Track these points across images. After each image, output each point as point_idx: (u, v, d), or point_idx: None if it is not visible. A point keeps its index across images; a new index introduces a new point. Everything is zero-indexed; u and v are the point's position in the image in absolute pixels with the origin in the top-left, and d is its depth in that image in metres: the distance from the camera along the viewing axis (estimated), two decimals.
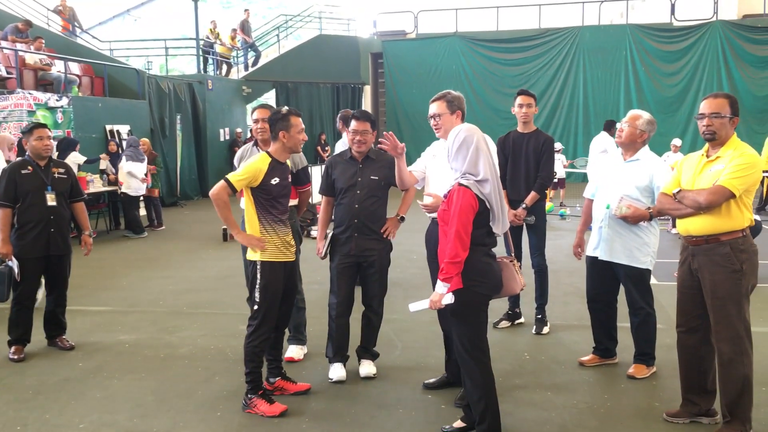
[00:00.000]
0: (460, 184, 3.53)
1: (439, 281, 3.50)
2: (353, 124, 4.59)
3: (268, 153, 4.24)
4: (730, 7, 21.60)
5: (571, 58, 21.52)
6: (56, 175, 5.38)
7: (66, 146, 11.23)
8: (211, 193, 4.12)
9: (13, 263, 5.19)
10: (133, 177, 11.49)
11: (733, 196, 3.61)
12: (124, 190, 11.56)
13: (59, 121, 12.44)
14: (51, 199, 5.29)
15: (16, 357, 5.21)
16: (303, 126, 4.29)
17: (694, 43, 20.83)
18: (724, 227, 3.68)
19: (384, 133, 4.41)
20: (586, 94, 21.49)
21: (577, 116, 21.52)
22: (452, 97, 4.29)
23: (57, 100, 12.49)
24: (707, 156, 3.79)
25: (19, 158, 5.96)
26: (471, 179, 3.53)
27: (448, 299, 3.48)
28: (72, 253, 5.52)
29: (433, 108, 4.31)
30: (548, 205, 12.36)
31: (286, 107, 4.30)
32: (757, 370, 3.86)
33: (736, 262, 3.66)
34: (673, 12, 21.20)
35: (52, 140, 5.46)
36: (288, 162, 4.38)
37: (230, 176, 4.14)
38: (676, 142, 14.00)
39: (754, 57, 20.48)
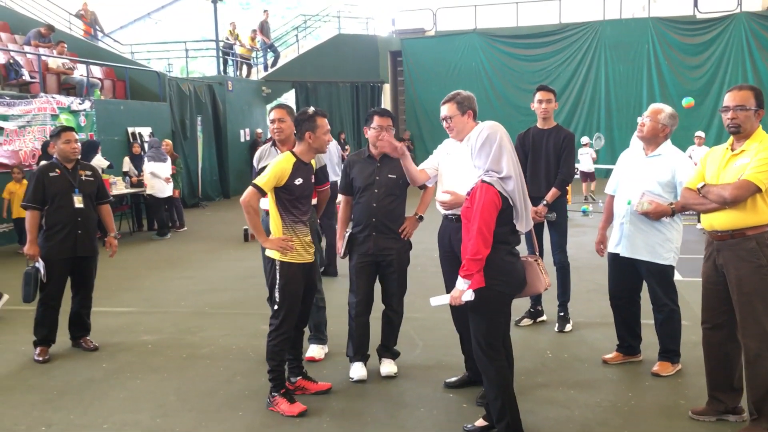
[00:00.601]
0: (483, 181, 3.50)
1: (460, 278, 3.47)
2: (376, 120, 4.56)
3: (293, 153, 4.22)
4: None
5: (593, 52, 21.35)
6: (83, 178, 5.45)
7: (88, 149, 11.31)
8: (241, 200, 4.11)
9: (40, 264, 5.25)
10: (157, 178, 11.58)
11: (759, 190, 3.53)
12: (148, 191, 11.66)
13: (82, 125, 12.57)
14: (78, 202, 5.35)
15: (41, 359, 5.26)
16: (329, 127, 4.28)
17: (718, 35, 20.56)
18: (749, 222, 3.61)
19: (379, 136, 4.38)
20: (608, 89, 21.31)
21: (599, 112, 21.35)
22: (462, 97, 4.26)
23: (80, 104, 12.63)
24: (732, 149, 3.72)
25: (44, 161, 6.03)
26: (494, 176, 3.50)
27: (469, 296, 3.46)
28: (98, 255, 5.58)
29: (444, 110, 4.28)
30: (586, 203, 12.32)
31: (312, 108, 4.28)
32: None
33: (762, 257, 3.59)
34: (696, 4, 20.93)
35: (78, 143, 5.51)
36: (312, 163, 4.37)
37: (257, 181, 4.13)
38: (700, 134, 13.82)
39: None
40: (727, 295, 3.74)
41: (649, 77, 20.93)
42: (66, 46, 14.05)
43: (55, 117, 11.94)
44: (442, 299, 3.66)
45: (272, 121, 4.92)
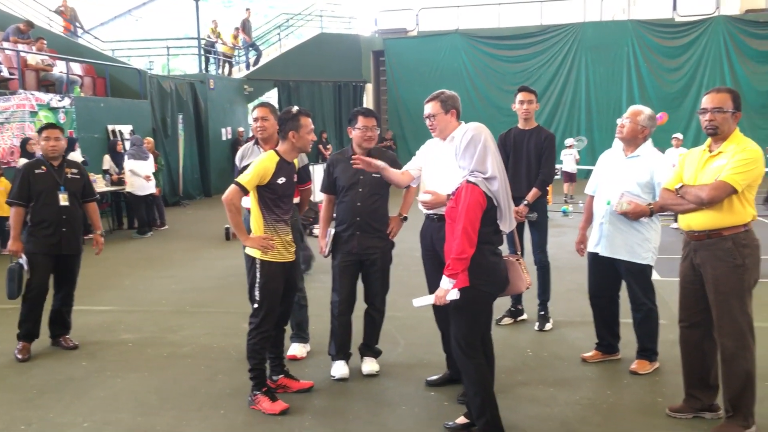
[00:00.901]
0: (468, 182, 3.53)
1: (444, 277, 3.50)
2: (361, 120, 4.57)
3: (276, 152, 4.22)
4: (733, 2, 21.58)
5: (573, 54, 21.52)
6: (69, 175, 5.42)
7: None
8: (224, 198, 4.10)
9: (23, 260, 5.23)
10: (137, 176, 11.51)
11: (735, 191, 3.60)
12: (128, 189, 11.58)
13: (62, 122, 12.42)
14: (64, 199, 5.33)
15: (21, 357, 5.22)
16: (312, 126, 4.28)
17: (697, 38, 20.82)
18: (726, 222, 3.67)
19: (352, 158, 4.41)
20: (588, 90, 21.49)
21: (579, 113, 21.53)
22: (446, 96, 4.29)
23: (59, 101, 12.50)
24: (710, 151, 3.78)
25: (25, 159, 5.98)
26: (479, 177, 3.54)
27: (453, 295, 3.48)
28: (82, 253, 5.55)
29: (428, 108, 4.31)
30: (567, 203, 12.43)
31: (296, 107, 4.27)
32: (760, 365, 3.85)
33: (739, 257, 3.66)
34: (675, 7, 21.19)
35: (60, 141, 5.45)
36: (295, 162, 4.37)
37: (240, 179, 4.12)
38: (678, 136, 14.02)
39: (757, 52, 20.46)
40: (704, 294, 3.80)
41: (629, 79, 21.15)
42: (45, 42, 13.88)
43: (34, 114, 11.81)
44: (425, 300, 3.67)
45: (255, 120, 4.92)
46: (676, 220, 10.29)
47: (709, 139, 3.79)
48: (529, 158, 5.61)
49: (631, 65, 21.10)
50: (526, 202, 5.51)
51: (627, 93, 21.03)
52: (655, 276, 4.77)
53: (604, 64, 21.29)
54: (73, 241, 5.38)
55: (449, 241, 3.56)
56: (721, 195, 3.61)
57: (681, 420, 3.94)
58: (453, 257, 3.47)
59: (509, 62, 21.88)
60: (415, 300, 3.73)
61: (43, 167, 5.34)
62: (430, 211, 4.33)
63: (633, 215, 4.45)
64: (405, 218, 4.76)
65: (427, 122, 4.33)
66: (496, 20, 22.27)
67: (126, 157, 11.79)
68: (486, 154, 3.56)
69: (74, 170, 5.48)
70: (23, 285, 5.30)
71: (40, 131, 5.42)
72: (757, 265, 3.74)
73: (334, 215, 4.78)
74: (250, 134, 19.73)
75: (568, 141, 15.84)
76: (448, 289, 3.49)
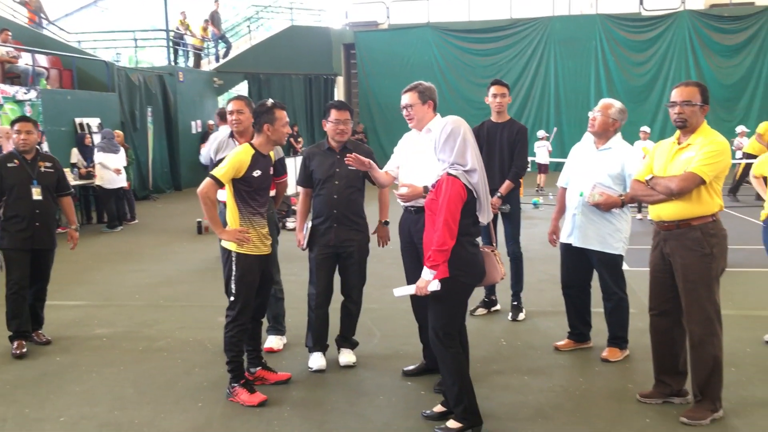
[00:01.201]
0: (449, 174, 3.58)
1: (425, 268, 3.55)
2: (333, 113, 4.61)
3: (251, 145, 4.23)
4: None
5: (542, 48, 21.75)
6: (42, 169, 5.35)
7: None
8: (198, 191, 4.10)
9: None
10: (106, 169, 11.37)
11: (703, 182, 3.71)
12: (98, 183, 11.44)
13: (28, 114, 12.23)
14: (36, 193, 5.26)
15: (18, 352, 5.15)
16: (287, 119, 4.30)
17: (663, 32, 21.18)
18: (694, 212, 3.78)
19: (346, 156, 4.44)
20: (557, 83, 21.74)
21: (548, 106, 21.78)
22: (423, 87, 4.35)
23: (25, 93, 12.29)
24: (678, 143, 3.88)
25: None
26: (459, 169, 3.59)
27: (434, 286, 3.54)
28: (56, 248, 5.50)
29: (405, 99, 4.36)
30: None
31: (271, 100, 4.28)
32: (727, 351, 3.98)
33: (707, 246, 3.77)
34: (641, 2, 21.49)
35: (30, 134, 5.34)
36: (271, 155, 4.38)
37: (215, 172, 4.12)
38: (646, 129, 14.29)
39: (721, 46, 20.89)
40: (673, 283, 3.91)
41: (597, 73, 21.44)
42: (10, 34, 13.60)
43: None
44: (406, 290, 3.73)
45: (231, 113, 4.90)
46: (639, 211, 10.58)
47: (677, 132, 3.89)
48: (502, 151, 5.68)
49: (599, 59, 21.39)
50: (499, 195, 5.59)
51: (595, 86, 21.32)
52: (624, 266, 4.88)
53: (573, 58, 21.55)
54: (46, 235, 5.33)
55: (429, 233, 3.61)
56: (690, 186, 3.71)
57: (651, 405, 4.05)
58: (434, 249, 3.52)
59: (480, 55, 22.04)
60: (395, 290, 3.78)
61: (15, 161, 5.27)
62: (408, 204, 4.38)
63: (605, 206, 4.55)
64: (387, 222, 4.84)
65: (404, 112, 4.38)
66: (467, 14, 22.39)
67: (96, 150, 11.64)
68: (465, 146, 3.61)
69: (48, 164, 5.41)
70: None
71: (12, 124, 5.34)
72: (725, 254, 3.85)
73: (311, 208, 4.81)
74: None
75: (541, 133, 16.02)
76: (429, 280, 3.55)
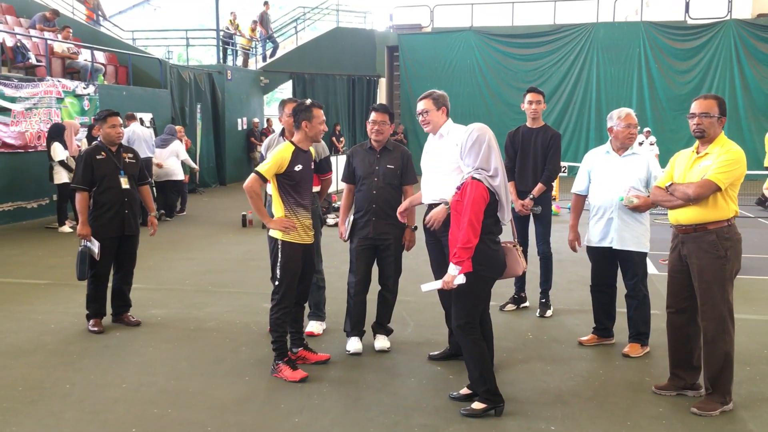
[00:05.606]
0: (473, 178, 3.92)
1: (451, 264, 3.90)
2: (372, 115, 5.00)
3: (291, 142, 4.63)
4: (744, 6, 21.80)
5: (585, 54, 21.78)
6: (127, 160, 5.75)
7: (53, 133, 10.74)
8: (245, 185, 4.53)
9: (94, 244, 5.52)
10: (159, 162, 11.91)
11: (719, 189, 3.97)
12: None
13: (86, 109, 12.90)
14: (124, 183, 5.66)
15: (96, 329, 5.56)
16: (324, 117, 4.69)
17: (708, 41, 21.05)
18: (710, 217, 4.04)
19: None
20: (598, 90, 21.74)
21: (589, 113, 21.78)
22: (437, 95, 4.78)
23: (84, 88, 12.94)
24: (697, 152, 4.15)
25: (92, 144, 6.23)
26: (483, 174, 3.94)
27: (460, 280, 3.89)
28: (140, 234, 5.92)
29: (421, 105, 4.78)
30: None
31: (309, 100, 4.72)
32: (743, 351, 4.22)
33: (721, 249, 4.03)
34: (687, 10, 21.39)
35: (122, 128, 5.76)
36: (312, 150, 4.77)
37: (259, 168, 4.55)
38: (648, 130, 14.46)
39: (767, 56, 20.65)
40: (690, 283, 4.18)
41: (639, 80, 21.41)
42: (71, 31, 14.32)
43: (60, 100, 12.26)
44: (432, 285, 4.10)
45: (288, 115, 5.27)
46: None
47: (696, 142, 4.16)
48: (536, 155, 5.97)
49: (642, 66, 21.36)
50: (531, 196, 5.89)
51: (637, 93, 21.30)
52: (651, 270, 5.11)
53: (616, 65, 21.56)
54: (134, 222, 5.72)
55: (454, 232, 3.96)
56: (707, 192, 3.98)
57: (665, 397, 4.31)
58: (459, 246, 3.86)
59: (522, 60, 22.17)
60: (423, 285, 4.16)
61: (103, 153, 5.65)
62: (432, 201, 4.73)
63: (643, 208, 4.83)
64: (415, 228, 5.14)
65: (420, 118, 4.80)
66: (510, 19, 22.56)
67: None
68: (490, 153, 3.96)
69: (130, 155, 5.81)
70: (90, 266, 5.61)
71: (103, 119, 5.68)
72: (738, 256, 4.11)
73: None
74: (264, 125, 20.19)
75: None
76: (455, 275, 3.89)
